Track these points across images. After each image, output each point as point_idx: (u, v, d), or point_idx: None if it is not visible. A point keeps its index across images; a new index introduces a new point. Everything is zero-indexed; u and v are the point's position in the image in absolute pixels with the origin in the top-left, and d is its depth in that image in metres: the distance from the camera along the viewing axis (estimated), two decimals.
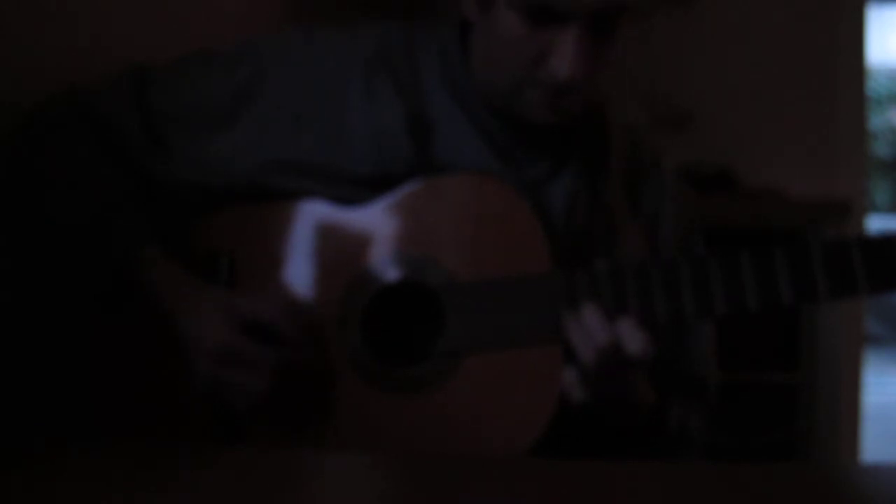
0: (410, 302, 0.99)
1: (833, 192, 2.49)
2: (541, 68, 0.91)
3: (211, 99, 1.00)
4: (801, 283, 0.85)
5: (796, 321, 2.32)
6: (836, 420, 2.38)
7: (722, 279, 0.87)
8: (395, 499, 0.80)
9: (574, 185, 1.01)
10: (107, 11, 1.26)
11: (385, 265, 0.97)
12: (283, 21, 1.97)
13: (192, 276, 0.98)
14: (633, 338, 0.87)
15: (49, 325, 1.02)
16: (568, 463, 0.87)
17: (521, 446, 0.91)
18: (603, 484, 0.81)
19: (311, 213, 1.01)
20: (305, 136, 0.99)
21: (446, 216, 0.97)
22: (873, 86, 4.37)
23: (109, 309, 1.00)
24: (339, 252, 0.99)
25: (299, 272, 1.00)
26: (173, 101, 1.01)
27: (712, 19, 2.52)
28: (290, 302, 0.99)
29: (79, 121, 1.01)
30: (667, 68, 2.48)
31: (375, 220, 0.98)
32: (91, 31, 1.21)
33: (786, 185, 2.42)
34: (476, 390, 0.94)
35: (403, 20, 1.06)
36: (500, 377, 0.93)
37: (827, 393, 2.35)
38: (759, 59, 2.54)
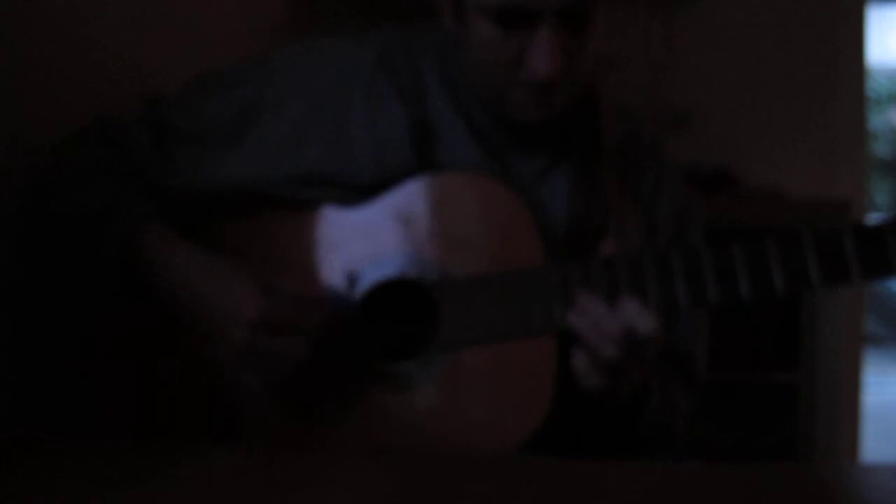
0: (405, 299, 0.99)
1: (833, 192, 2.49)
2: (520, 69, 0.92)
3: (217, 118, 1.02)
4: (793, 270, 0.86)
5: (796, 321, 2.32)
6: (836, 420, 2.37)
7: (714, 268, 0.87)
8: (393, 499, 0.80)
9: (571, 180, 1.01)
10: (110, 21, 1.26)
11: (380, 263, 0.97)
12: (284, 30, 1.97)
13: (208, 250, 0.97)
14: (642, 319, 0.87)
15: (51, 325, 1.03)
16: (567, 463, 0.87)
17: (518, 438, 0.92)
18: (602, 484, 0.81)
19: (309, 214, 1.01)
20: (310, 146, 0.99)
21: (441, 214, 0.97)
22: (873, 86, 4.37)
23: (119, 295, 0.99)
24: (335, 251, 1.00)
25: (295, 272, 1.00)
26: (182, 121, 1.02)
27: (712, 20, 2.52)
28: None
29: (98, 142, 1.03)
30: (667, 68, 2.48)
31: (371, 220, 0.99)
32: (93, 41, 1.21)
33: (786, 184, 2.41)
34: (472, 384, 0.94)
35: (403, 25, 1.07)
36: (495, 371, 0.94)
37: (827, 393, 2.34)
38: (759, 59, 2.53)
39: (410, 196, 0.98)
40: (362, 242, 0.98)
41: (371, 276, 0.98)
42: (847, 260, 0.85)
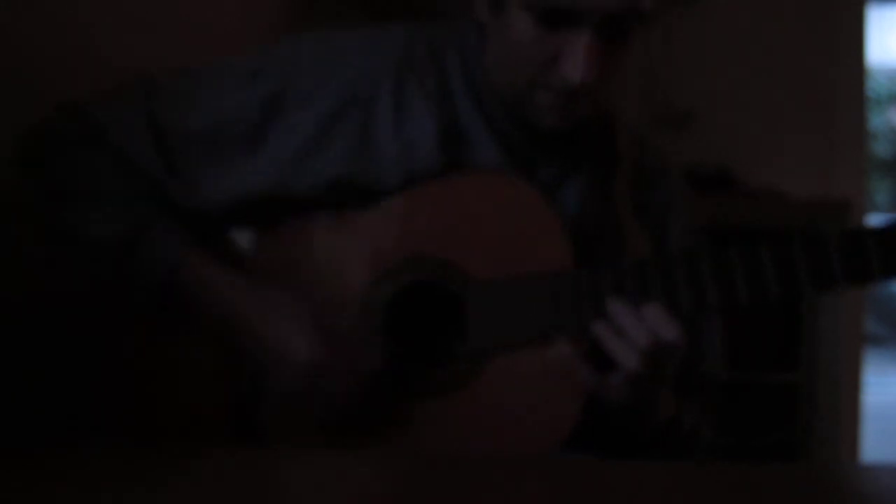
0: (430, 303, 0.98)
1: (833, 192, 2.49)
2: (552, 71, 0.91)
3: (234, 117, 0.96)
4: (818, 271, 0.87)
5: (797, 321, 2.32)
6: (836, 420, 2.37)
7: (743, 268, 0.88)
8: (395, 499, 0.80)
9: (583, 191, 1.00)
10: (108, 19, 1.25)
11: (403, 266, 0.96)
12: (284, 30, 1.96)
13: (252, 276, 0.96)
14: (667, 326, 0.87)
15: (62, 328, 1.02)
16: (567, 462, 0.87)
17: (551, 443, 0.91)
18: (604, 483, 0.81)
19: (330, 218, 0.99)
20: (334, 147, 0.96)
21: (464, 215, 0.96)
22: (873, 86, 4.37)
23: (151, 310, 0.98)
24: (357, 255, 0.98)
25: (317, 279, 0.98)
26: (191, 123, 0.97)
27: (712, 19, 2.52)
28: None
29: (95, 149, 0.97)
30: (667, 68, 2.47)
31: (392, 221, 0.97)
32: (92, 38, 1.21)
33: (786, 184, 2.41)
34: (503, 390, 0.93)
35: (405, 21, 1.06)
36: (526, 376, 0.93)
37: (827, 393, 2.34)
38: (759, 59, 2.53)
39: (435, 195, 0.96)
40: (386, 245, 0.97)
41: (394, 282, 0.96)
42: (871, 261, 0.86)
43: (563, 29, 0.89)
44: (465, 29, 1.01)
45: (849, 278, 0.87)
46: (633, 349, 0.87)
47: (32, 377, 1.01)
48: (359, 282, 0.97)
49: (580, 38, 0.88)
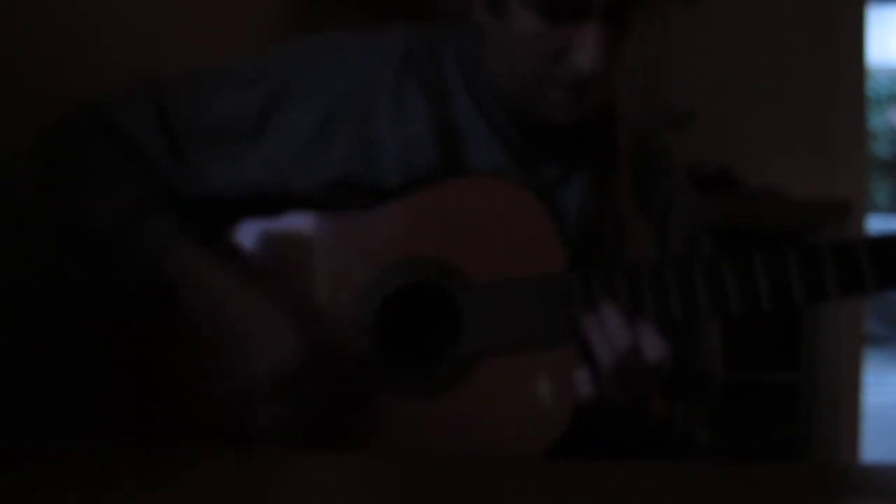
0: (423, 305, 0.98)
1: (833, 192, 2.49)
2: (561, 65, 0.91)
3: (237, 115, 0.98)
4: (811, 282, 0.87)
5: (797, 321, 2.32)
6: (836, 420, 2.38)
7: (735, 279, 0.88)
8: (394, 499, 0.80)
9: (585, 189, 1.01)
10: (109, 21, 1.26)
11: (397, 268, 0.96)
12: (284, 30, 1.97)
13: (243, 272, 0.96)
14: (652, 345, 0.87)
15: (57, 325, 1.02)
16: (567, 463, 0.87)
17: (542, 445, 0.91)
18: (603, 484, 0.81)
19: (326, 218, 0.99)
20: (333, 148, 0.97)
21: (460, 218, 0.96)
22: (873, 86, 4.37)
23: (139, 303, 0.98)
24: (352, 256, 0.98)
25: (313, 279, 0.99)
26: (198, 119, 0.99)
27: (712, 19, 2.52)
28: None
29: (104, 141, 0.99)
30: (667, 68, 2.48)
31: (388, 223, 0.97)
32: (93, 38, 1.21)
33: (786, 185, 2.42)
34: (495, 392, 0.93)
35: (405, 21, 1.06)
36: (518, 378, 0.93)
37: (827, 393, 2.35)
38: (759, 59, 2.54)
39: (431, 199, 0.96)
40: (383, 246, 0.97)
41: (388, 283, 0.96)
42: (863, 273, 0.86)
43: (567, 22, 0.89)
44: (464, 30, 1.01)
45: (842, 291, 0.86)
46: (611, 347, 0.88)
47: (32, 377, 1.01)
48: (355, 282, 0.97)
49: (587, 28, 0.89)
